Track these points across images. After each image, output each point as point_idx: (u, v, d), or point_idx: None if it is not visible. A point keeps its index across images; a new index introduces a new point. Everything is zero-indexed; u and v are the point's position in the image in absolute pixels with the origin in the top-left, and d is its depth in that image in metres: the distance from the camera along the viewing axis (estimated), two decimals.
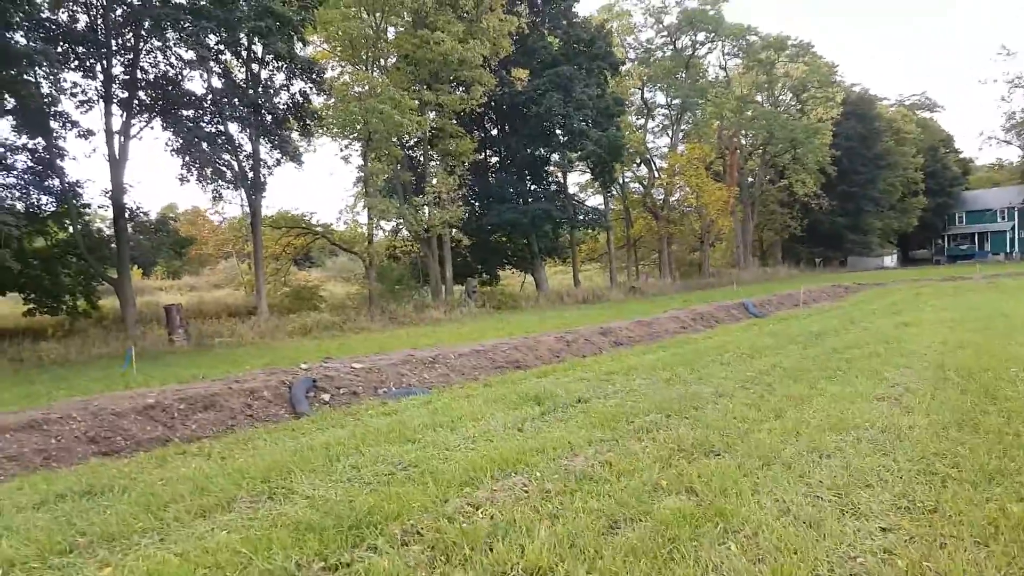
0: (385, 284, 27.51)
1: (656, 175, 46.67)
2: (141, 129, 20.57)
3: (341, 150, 27.64)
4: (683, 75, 46.51)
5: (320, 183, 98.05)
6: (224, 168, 21.39)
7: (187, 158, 21.02)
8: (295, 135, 22.37)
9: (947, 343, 10.03)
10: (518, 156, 32.46)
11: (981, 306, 16.17)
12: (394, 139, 25.62)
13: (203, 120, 20.91)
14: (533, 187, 33.48)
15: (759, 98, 54.27)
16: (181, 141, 20.59)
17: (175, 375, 11.91)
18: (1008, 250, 64.58)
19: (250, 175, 21.96)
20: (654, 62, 47.16)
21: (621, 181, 41.89)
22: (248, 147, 21.49)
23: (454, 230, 27.91)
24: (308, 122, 20.94)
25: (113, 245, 21.07)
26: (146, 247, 21.01)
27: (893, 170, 61.49)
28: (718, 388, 7.25)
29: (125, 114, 20.27)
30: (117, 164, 20.30)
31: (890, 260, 67.33)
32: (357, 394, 9.60)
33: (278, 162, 22.22)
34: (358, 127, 23.84)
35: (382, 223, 28.69)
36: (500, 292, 30.10)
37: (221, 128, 21.14)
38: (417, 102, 24.85)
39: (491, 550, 3.32)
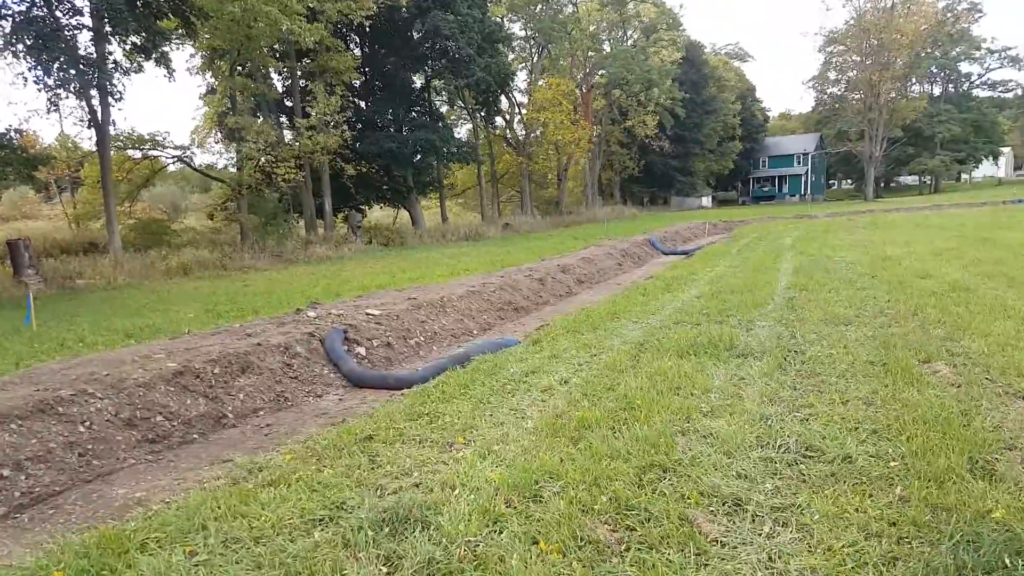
0: (260, 217, 24.37)
1: (517, 109, 46.13)
2: None
3: (203, 61, 23.43)
4: (542, 8, 45.81)
5: (148, 99, 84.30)
6: (62, 71, 17.03)
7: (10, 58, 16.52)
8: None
9: (989, 275, 9.73)
10: (396, 81, 30.00)
11: (909, 241, 16.54)
12: (271, 49, 22.25)
13: (38, 8, 16.34)
14: (411, 115, 31.31)
15: (603, 36, 55.39)
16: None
17: (100, 328, 9.42)
18: (802, 192, 73.88)
19: (92, 80, 17.68)
20: None
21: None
22: (109, 48, 17.26)
23: (338, 159, 25.21)
24: (192, 19, 17.11)
25: None
26: None
27: (716, 116, 66.76)
28: (910, 328, 6.60)
29: None
30: None
31: (707, 200, 73.84)
32: (392, 346, 8.24)
33: (138, 67, 18.24)
34: (232, 33, 20.23)
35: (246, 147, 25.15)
36: (386, 228, 28.14)
37: (65, 21, 16.69)
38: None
39: None
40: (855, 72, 63.07)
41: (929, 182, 70.90)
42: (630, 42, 56.00)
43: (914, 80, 65.88)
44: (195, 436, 5.54)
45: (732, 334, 6.58)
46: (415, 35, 29.58)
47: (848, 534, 2.87)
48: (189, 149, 24.40)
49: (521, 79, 49.58)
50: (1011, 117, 79.83)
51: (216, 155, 25.38)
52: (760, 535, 2.93)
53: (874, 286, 9.37)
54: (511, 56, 48.67)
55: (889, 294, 8.49)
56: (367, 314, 8.68)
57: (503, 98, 46.32)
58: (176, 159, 24.18)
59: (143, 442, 5.24)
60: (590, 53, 51.60)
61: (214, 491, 3.69)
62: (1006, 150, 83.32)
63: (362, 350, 7.84)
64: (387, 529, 2.99)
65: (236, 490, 3.61)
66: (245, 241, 23.38)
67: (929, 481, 3.27)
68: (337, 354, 7.34)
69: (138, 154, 24.47)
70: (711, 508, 3.18)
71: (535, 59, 47.95)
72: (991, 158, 74.83)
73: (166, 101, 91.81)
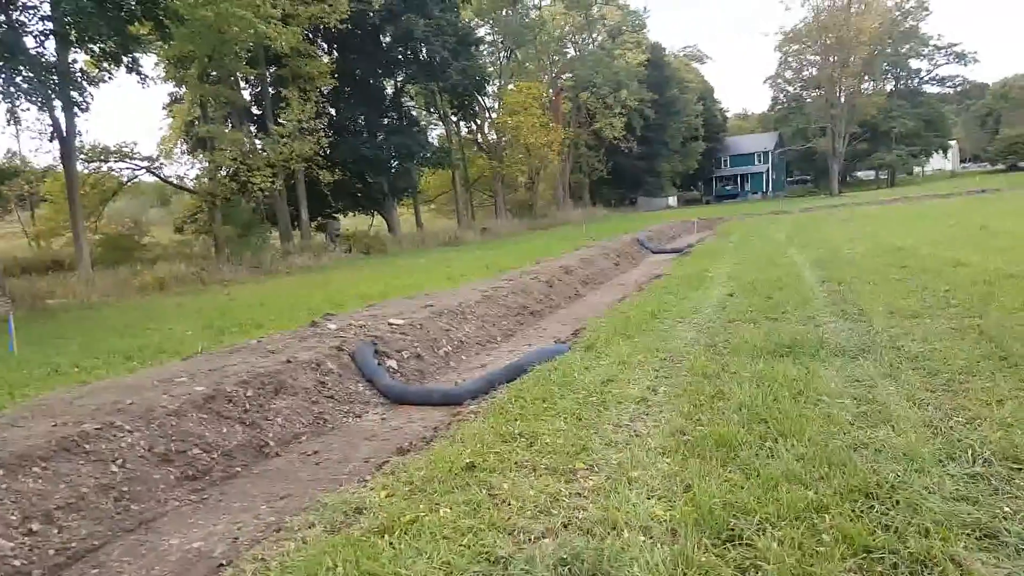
0: (234, 228, 23.38)
1: (487, 114, 45.67)
2: None
3: (167, 70, 22.35)
4: (509, 12, 45.54)
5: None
6: (23, 81, 15.86)
7: None
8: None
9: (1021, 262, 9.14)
10: (367, 86, 29.24)
11: (908, 231, 16.24)
12: (244, 55, 21.36)
13: None
14: (384, 121, 30.56)
15: (568, 40, 55.33)
16: None
17: (93, 350, 8.66)
18: (764, 190, 74.97)
19: (57, 90, 16.53)
20: None
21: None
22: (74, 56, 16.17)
23: (313, 166, 24.34)
24: (167, 23, 16.04)
25: None
26: None
27: (679, 117, 67.23)
28: (997, 319, 6.13)
29: None
30: None
31: (673, 200, 74.29)
32: (422, 357, 7.69)
33: (107, 75, 17.20)
34: (204, 38, 19.29)
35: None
36: (364, 235, 27.35)
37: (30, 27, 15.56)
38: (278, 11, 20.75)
39: None
40: (814, 70, 64.17)
41: (885, 176, 72.54)
42: (595, 44, 56.07)
43: (867, 77, 67.20)
44: (238, 469, 4.92)
45: (807, 331, 6.17)
46: (386, 39, 28.92)
47: None
48: (157, 160, 23.28)
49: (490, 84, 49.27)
50: (954, 112, 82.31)
51: (186, 166, 24.07)
52: None
53: (913, 276, 9.01)
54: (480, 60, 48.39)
55: (939, 283, 8.19)
56: (390, 324, 8.11)
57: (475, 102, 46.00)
58: (145, 171, 23.05)
59: (183, 479, 4.60)
60: (555, 56, 51.53)
61: (317, 542, 3.08)
62: (953, 143, 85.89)
63: (393, 363, 7.27)
64: None
65: (345, 541, 2.98)
66: (220, 254, 22.41)
67: None
68: (371, 369, 6.76)
69: (98, 166, 23.23)
70: (963, 544, 2.62)
71: (503, 63, 47.58)
72: (941, 151, 77.03)
73: (120, 112, 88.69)
